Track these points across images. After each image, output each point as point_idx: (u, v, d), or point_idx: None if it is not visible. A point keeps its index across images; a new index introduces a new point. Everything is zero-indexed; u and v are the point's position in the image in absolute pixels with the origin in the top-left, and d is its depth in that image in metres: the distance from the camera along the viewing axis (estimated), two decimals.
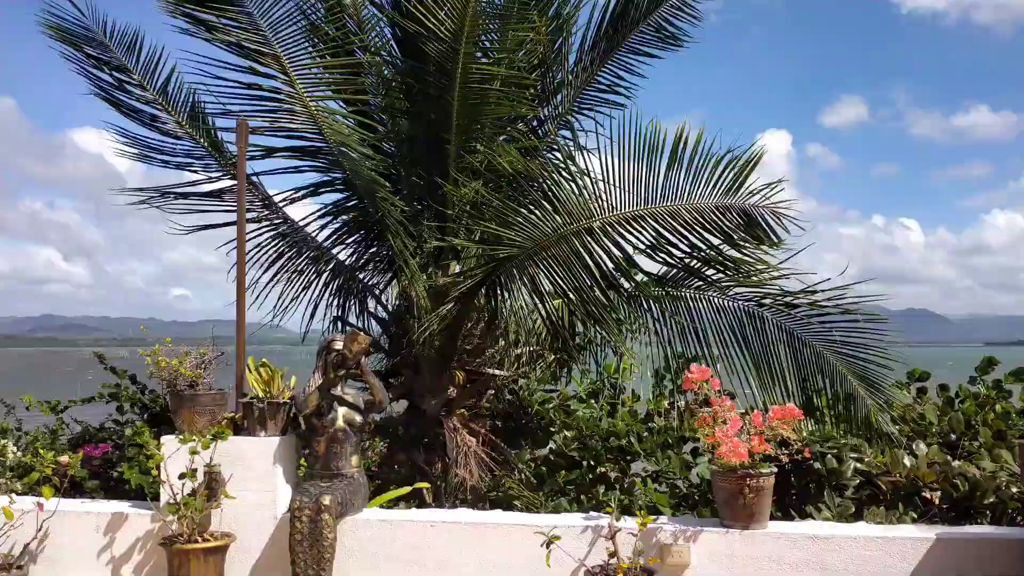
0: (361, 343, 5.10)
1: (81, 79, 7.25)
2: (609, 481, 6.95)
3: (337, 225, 8.33)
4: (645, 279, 7.03)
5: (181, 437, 4.86)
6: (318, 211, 7.98)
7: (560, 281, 6.87)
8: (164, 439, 5.05)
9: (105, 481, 6.46)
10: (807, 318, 6.21)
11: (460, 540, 4.81)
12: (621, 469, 7.02)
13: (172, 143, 7.56)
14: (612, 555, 4.43)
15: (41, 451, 5.17)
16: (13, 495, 5.21)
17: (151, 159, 7.48)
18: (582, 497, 6.69)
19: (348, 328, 8.70)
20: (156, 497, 6.13)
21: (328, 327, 8.71)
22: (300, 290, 8.35)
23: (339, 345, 5.19)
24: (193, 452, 4.77)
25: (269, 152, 7.60)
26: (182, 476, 4.78)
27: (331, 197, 8.13)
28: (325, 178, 7.98)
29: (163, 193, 7.66)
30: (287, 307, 8.23)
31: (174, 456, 4.90)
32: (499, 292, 7.77)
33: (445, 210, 7.70)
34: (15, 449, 7.89)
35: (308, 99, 7.19)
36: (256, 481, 5.01)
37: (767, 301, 6.38)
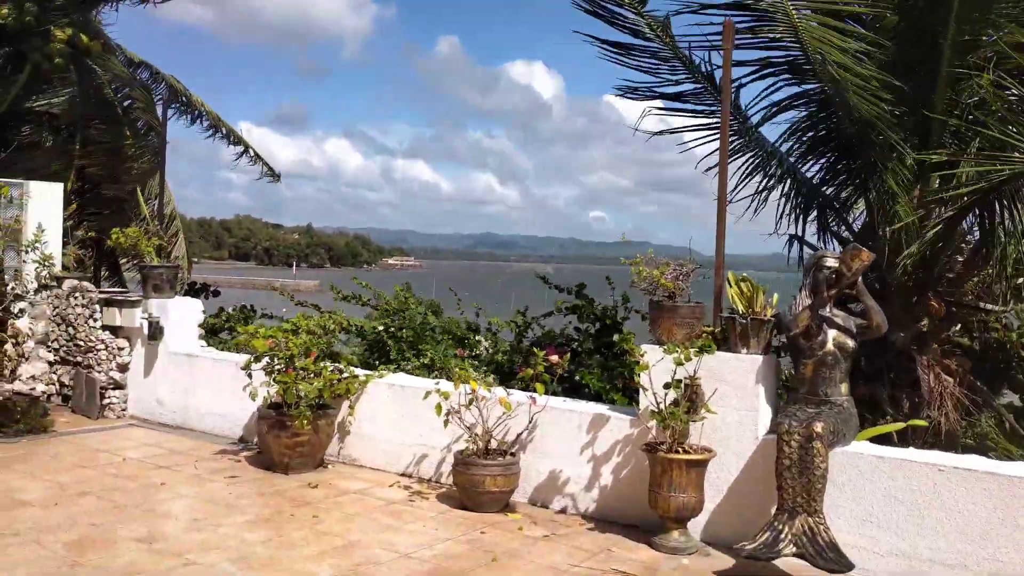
0: (863, 259, 4.60)
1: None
2: None
3: (804, 138, 7.86)
4: None
5: (666, 347, 4.82)
6: (791, 126, 7.59)
7: None
8: (644, 347, 5.07)
9: (559, 383, 6.80)
10: None
11: (975, 490, 4.16)
12: None
13: (642, 44, 7.63)
14: None
15: (536, 350, 5.50)
16: (508, 389, 5.65)
17: (622, 61, 7.64)
18: None
19: (806, 247, 8.19)
20: (613, 402, 6.31)
21: (785, 246, 8.29)
22: (757, 205, 8.08)
23: (831, 262, 4.74)
24: (678, 363, 4.71)
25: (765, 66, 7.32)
26: (667, 386, 4.75)
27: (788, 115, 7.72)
28: (796, 91, 7.52)
29: (630, 91, 7.84)
30: (739, 222, 8.00)
31: (657, 365, 4.88)
32: (996, 213, 6.68)
33: (931, 118, 6.75)
34: (488, 345, 8.72)
35: (790, 6, 6.66)
36: (736, 399, 4.83)
37: None
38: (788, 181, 7.99)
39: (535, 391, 5.38)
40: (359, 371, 6.51)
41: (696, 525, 4.85)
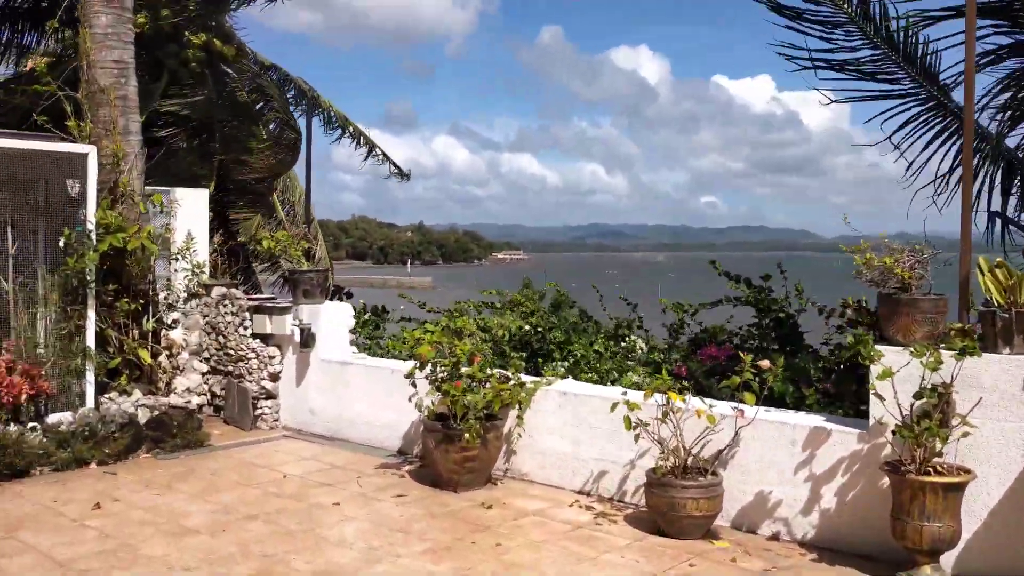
0: None
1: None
2: None
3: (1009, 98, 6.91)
4: None
5: (913, 350, 4.06)
6: (1000, 83, 6.65)
7: None
8: (880, 349, 4.31)
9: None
10: None
11: None
12: None
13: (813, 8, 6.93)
14: None
15: (742, 355, 4.80)
16: (710, 400, 4.99)
17: (800, 29, 6.96)
18: None
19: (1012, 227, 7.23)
20: (800, 404, 5.54)
21: (988, 225, 7.35)
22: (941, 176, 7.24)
23: None
24: (931, 368, 3.95)
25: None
26: (918, 395, 4.00)
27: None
28: (1004, 43, 6.57)
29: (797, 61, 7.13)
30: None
31: (901, 371, 4.13)
32: None
33: None
34: (643, 345, 8.05)
35: None
36: (996, 408, 4.04)
37: None
38: (986, 149, 7.08)
39: (743, 401, 4.70)
40: (526, 377, 5.98)
41: (947, 557, 4.09)
